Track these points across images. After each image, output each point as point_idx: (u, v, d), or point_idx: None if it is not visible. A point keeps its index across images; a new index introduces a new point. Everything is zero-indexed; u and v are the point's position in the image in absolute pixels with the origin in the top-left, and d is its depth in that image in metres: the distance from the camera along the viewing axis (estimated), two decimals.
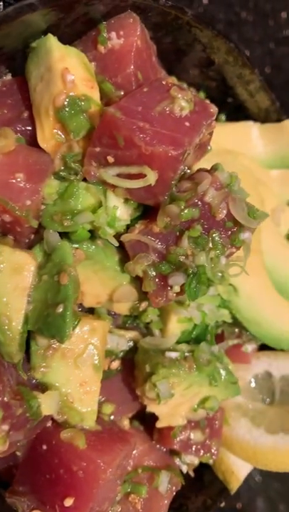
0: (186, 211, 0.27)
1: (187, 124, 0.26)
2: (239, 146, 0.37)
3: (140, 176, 0.26)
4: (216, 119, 0.39)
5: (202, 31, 0.32)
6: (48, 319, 0.25)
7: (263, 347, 0.40)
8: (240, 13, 0.72)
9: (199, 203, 0.27)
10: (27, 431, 0.26)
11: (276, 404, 0.38)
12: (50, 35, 0.27)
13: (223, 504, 0.36)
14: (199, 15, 0.52)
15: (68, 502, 0.26)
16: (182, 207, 0.27)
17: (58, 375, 0.27)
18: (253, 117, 0.39)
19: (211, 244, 0.28)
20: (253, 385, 0.39)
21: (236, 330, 0.37)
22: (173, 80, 0.31)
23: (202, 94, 0.37)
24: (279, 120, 0.38)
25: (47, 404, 0.26)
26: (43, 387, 0.27)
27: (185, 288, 0.28)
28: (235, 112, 0.39)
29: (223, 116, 0.39)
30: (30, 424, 0.25)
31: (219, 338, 0.37)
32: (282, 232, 0.38)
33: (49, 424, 0.27)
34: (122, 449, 0.28)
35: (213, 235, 0.28)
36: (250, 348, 0.37)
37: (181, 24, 0.31)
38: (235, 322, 0.36)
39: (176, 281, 0.28)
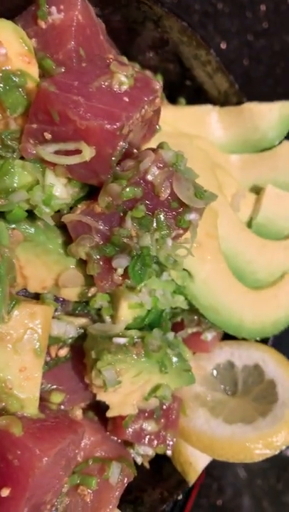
0: (127, 190, 0.26)
1: (126, 99, 0.25)
2: (198, 130, 0.36)
3: (78, 151, 0.25)
4: (176, 103, 0.39)
5: (152, 8, 0.31)
6: None
7: (227, 336, 0.39)
8: (217, 4, 0.71)
9: (142, 181, 0.26)
10: None
11: (238, 395, 0.37)
12: None
13: (180, 497, 0.35)
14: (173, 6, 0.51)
15: (4, 492, 0.25)
16: (124, 185, 0.26)
17: None
18: (212, 100, 0.38)
19: (155, 225, 0.27)
20: (214, 375, 0.38)
21: (196, 318, 0.35)
22: (123, 59, 0.30)
23: (159, 77, 0.36)
24: (239, 103, 0.37)
25: None
26: None
27: (129, 270, 0.27)
28: (195, 95, 0.38)
29: (182, 100, 0.38)
30: None
31: (179, 326, 0.36)
32: (242, 217, 0.37)
33: None
34: (64, 438, 0.27)
35: (158, 216, 0.27)
36: (209, 336, 0.36)
37: (128, 1, 0.30)
38: (194, 309, 0.35)
39: (120, 263, 0.27)
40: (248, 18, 0.75)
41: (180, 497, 0.35)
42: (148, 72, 0.36)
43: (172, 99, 0.38)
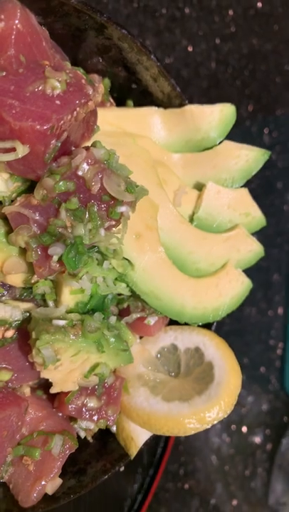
0: (60, 183, 0.29)
1: (58, 102, 0.28)
2: (142, 130, 0.38)
3: (12, 150, 0.27)
4: (124, 105, 0.41)
5: (91, 18, 0.33)
6: None
7: (173, 322, 0.42)
8: (184, 8, 0.74)
9: (73, 176, 0.29)
10: None
11: (181, 376, 0.40)
12: None
13: (122, 468, 0.38)
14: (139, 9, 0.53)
15: None
16: (57, 179, 0.29)
17: None
18: (158, 102, 0.40)
19: (88, 216, 0.30)
20: (158, 357, 0.40)
21: (140, 304, 0.38)
22: (66, 64, 0.33)
23: (107, 81, 0.39)
24: (181, 105, 0.39)
25: None
26: None
27: (64, 258, 0.30)
28: (142, 97, 0.40)
29: (130, 102, 0.41)
30: None
31: (125, 312, 0.39)
32: (185, 212, 0.40)
33: None
34: (4, 410, 0.29)
35: (91, 208, 0.30)
36: (152, 321, 0.38)
37: (68, 10, 0.32)
38: (138, 296, 0.37)
39: (56, 251, 0.29)
40: (215, 22, 0.78)
41: (122, 468, 0.37)
42: (95, 76, 0.38)
43: (121, 102, 0.41)
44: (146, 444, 0.66)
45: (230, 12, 0.81)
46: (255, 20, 0.85)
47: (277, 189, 0.91)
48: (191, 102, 0.69)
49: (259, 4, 0.85)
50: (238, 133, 0.87)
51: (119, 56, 0.37)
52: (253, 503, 0.91)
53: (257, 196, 0.95)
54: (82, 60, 0.38)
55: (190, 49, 0.75)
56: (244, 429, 0.86)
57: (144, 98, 0.40)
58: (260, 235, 0.91)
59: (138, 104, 0.40)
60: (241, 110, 0.83)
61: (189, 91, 0.74)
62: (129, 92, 0.40)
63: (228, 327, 0.79)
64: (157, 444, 0.65)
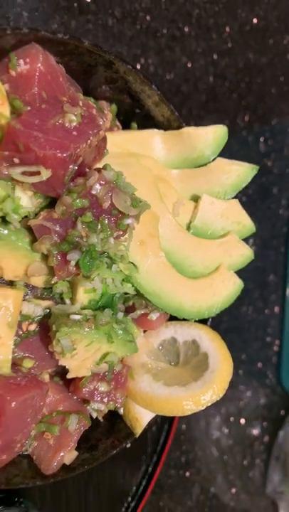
0: (77, 201, 0.34)
1: (75, 133, 0.34)
2: (145, 150, 0.44)
3: (38, 173, 0.33)
4: (129, 127, 0.47)
5: (101, 56, 0.39)
6: None
7: (173, 318, 0.48)
8: (184, 28, 0.80)
9: (88, 195, 0.35)
10: None
11: (180, 365, 0.46)
12: None
13: (128, 445, 0.43)
14: (95, 44, 0.59)
15: None
16: (74, 197, 0.34)
17: None
18: (158, 125, 0.46)
19: (100, 228, 0.36)
20: (160, 348, 0.46)
21: (144, 302, 0.44)
22: (79, 96, 0.39)
23: (114, 107, 0.44)
24: (179, 127, 0.45)
25: None
26: None
27: (80, 262, 0.35)
28: (145, 120, 0.46)
29: (134, 125, 0.46)
30: None
31: (131, 309, 0.45)
32: (183, 221, 0.45)
33: None
34: (30, 391, 0.35)
35: (102, 221, 0.35)
36: (154, 316, 0.44)
37: (81, 51, 0.38)
38: (141, 295, 0.43)
39: (73, 257, 0.35)
40: (213, 39, 0.84)
41: (127, 445, 0.43)
42: (104, 103, 0.44)
43: (127, 125, 0.46)
44: (150, 432, 0.71)
45: (227, 29, 0.87)
46: (250, 35, 0.91)
47: (273, 194, 0.97)
48: (190, 114, 0.74)
49: (255, 20, 0.91)
50: (236, 142, 0.93)
51: (124, 86, 0.43)
52: (251, 492, 0.96)
53: (254, 201, 1.01)
54: (92, 89, 0.43)
55: (189, 65, 0.80)
56: (242, 421, 0.92)
57: (147, 121, 0.45)
58: (256, 238, 0.97)
59: (141, 126, 0.46)
60: (238, 120, 0.89)
61: (188, 104, 0.80)
62: (133, 115, 0.45)
63: (226, 325, 0.85)
64: (160, 433, 0.71)
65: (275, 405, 0.97)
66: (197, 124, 0.85)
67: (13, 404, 0.33)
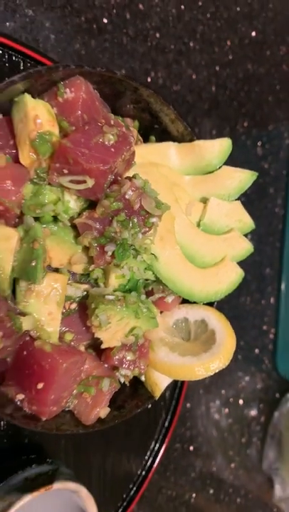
0: (113, 204, 0.43)
1: (112, 150, 0.43)
2: (162, 160, 0.53)
3: (84, 181, 0.42)
4: (148, 140, 0.56)
5: (129, 84, 0.48)
6: (26, 270, 0.41)
7: (184, 301, 0.57)
8: (189, 42, 0.89)
9: (122, 199, 0.44)
10: (13, 339, 0.42)
11: (191, 340, 0.55)
12: (26, 94, 0.43)
13: (149, 406, 0.52)
14: (128, 74, 0.68)
15: (40, 385, 0.42)
16: (111, 201, 0.44)
17: (33, 307, 0.43)
18: (174, 138, 0.55)
19: (131, 225, 0.45)
20: (174, 327, 0.55)
21: (161, 287, 0.53)
22: (110, 116, 0.48)
23: (136, 123, 0.54)
24: (191, 140, 0.54)
25: (26, 323, 0.42)
26: (23, 314, 0.43)
27: (115, 253, 0.45)
28: (162, 134, 0.55)
29: (153, 138, 0.55)
30: (15, 335, 0.42)
31: (150, 293, 0.54)
32: (193, 220, 0.55)
33: (28, 338, 0.44)
34: (74, 356, 0.44)
35: (133, 219, 0.45)
36: (170, 299, 0.53)
37: (114, 80, 0.47)
38: (160, 281, 0.52)
39: (110, 248, 0.44)
40: (215, 52, 0.93)
41: (149, 406, 0.52)
42: (128, 120, 0.53)
43: (146, 137, 0.56)
44: (160, 408, 0.80)
45: (228, 42, 0.96)
46: (249, 47, 1.01)
47: (269, 194, 1.07)
48: (195, 121, 0.84)
49: (253, 33, 1.01)
50: (236, 146, 1.05)
51: (146, 106, 0.52)
52: (249, 468, 1.07)
53: (252, 201, 1.12)
54: (119, 108, 0.52)
55: (194, 77, 0.90)
56: (241, 402, 1.02)
57: (164, 135, 0.55)
58: (254, 234, 1.07)
59: (159, 139, 0.55)
60: (238, 126, 0.99)
61: (193, 112, 0.89)
62: (152, 130, 0.55)
63: (226, 313, 0.94)
64: (168, 409, 0.80)
65: (271, 389, 1.07)
66: (201, 130, 0.95)
67: (64, 365, 0.42)
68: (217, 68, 0.94)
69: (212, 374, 0.50)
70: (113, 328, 0.47)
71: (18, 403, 0.43)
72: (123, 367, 0.49)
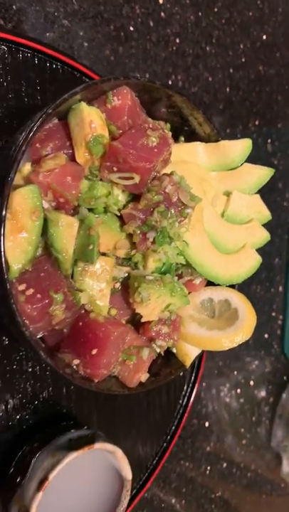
0: (155, 197, 0.52)
1: (155, 150, 0.51)
2: (191, 158, 0.61)
3: (131, 178, 0.51)
4: (178, 141, 0.64)
5: (165, 91, 0.56)
6: (84, 252, 0.49)
7: (210, 283, 0.65)
8: (206, 47, 0.97)
9: (162, 192, 0.52)
10: (72, 312, 0.50)
11: (215, 318, 0.63)
12: (82, 102, 0.51)
13: (181, 374, 0.61)
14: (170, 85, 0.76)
15: (94, 351, 0.50)
16: (153, 195, 0.52)
17: (88, 285, 0.51)
18: (201, 139, 0.63)
19: (169, 215, 0.53)
20: (201, 306, 0.64)
21: (190, 270, 0.61)
22: (148, 120, 0.56)
23: (168, 126, 0.61)
24: (216, 141, 0.63)
25: (82, 298, 0.50)
26: (80, 291, 0.51)
27: (156, 239, 0.53)
28: (191, 135, 0.63)
29: (182, 138, 0.63)
30: (74, 307, 0.50)
31: (180, 276, 0.62)
32: (218, 211, 0.63)
33: (83, 311, 0.52)
34: (120, 327, 0.53)
35: (171, 210, 0.53)
36: (197, 281, 0.61)
37: (152, 88, 0.55)
38: (189, 265, 0.61)
39: (151, 235, 0.53)
40: (229, 55, 1.02)
41: (181, 373, 0.61)
42: (162, 123, 0.61)
43: (175, 138, 0.64)
44: (180, 387, 0.89)
45: (241, 46, 1.05)
46: (260, 50, 1.09)
47: (278, 188, 1.16)
48: (209, 119, 0.92)
49: (264, 37, 1.09)
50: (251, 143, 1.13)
51: (178, 111, 0.60)
52: (258, 446, 1.16)
53: (263, 195, 1.22)
54: (154, 112, 0.60)
55: (210, 79, 0.98)
56: (251, 383, 1.11)
57: (192, 136, 0.63)
58: (265, 226, 1.16)
59: (188, 140, 0.63)
60: (250, 125, 1.08)
61: (209, 112, 0.97)
62: (181, 131, 0.63)
63: None
64: (187, 387, 0.89)
65: (279, 372, 1.16)
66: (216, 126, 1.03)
67: (115, 333, 0.51)
68: (231, 70, 1.02)
69: (236, 345, 0.59)
70: (152, 304, 0.55)
71: (74, 367, 0.51)
72: (159, 338, 0.57)
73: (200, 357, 0.79)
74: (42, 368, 0.68)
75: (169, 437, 0.88)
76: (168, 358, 0.61)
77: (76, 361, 0.51)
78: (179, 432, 0.90)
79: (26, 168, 0.49)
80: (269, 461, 1.15)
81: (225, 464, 1.04)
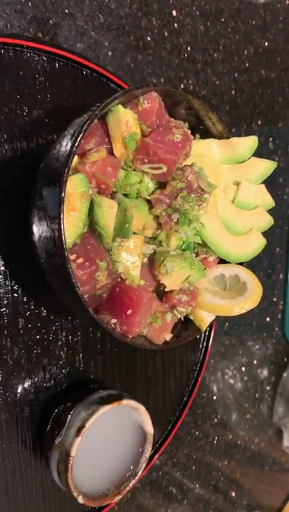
0: (178, 184, 0.64)
1: (179, 145, 0.63)
2: (206, 153, 0.73)
3: (159, 168, 0.63)
4: (194, 138, 0.76)
5: (185, 96, 0.68)
6: (122, 230, 0.61)
7: (222, 261, 0.78)
8: (214, 54, 1.10)
9: (185, 180, 0.64)
10: (111, 279, 0.62)
11: (227, 290, 0.76)
12: (119, 105, 0.63)
13: (197, 336, 0.73)
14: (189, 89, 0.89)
15: (129, 312, 0.62)
16: (177, 182, 0.64)
17: (123, 257, 0.63)
18: (215, 136, 0.75)
19: (190, 200, 0.65)
20: (213, 280, 0.76)
21: (205, 249, 0.74)
22: (171, 120, 0.68)
23: (186, 125, 0.74)
24: (228, 138, 0.75)
25: (120, 268, 0.62)
26: (117, 262, 0.63)
27: (179, 220, 0.65)
28: (205, 133, 0.75)
29: (198, 136, 0.76)
30: (113, 275, 0.62)
31: (197, 254, 0.75)
32: (229, 198, 0.75)
33: (119, 279, 0.64)
34: (149, 294, 0.64)
35: (192, 195, 0.65)
36: (211, 259, 0.73)
37: (174, 93, 0.67)
38: (204, 244, 0.73)
39: (175, 216, 0.65)
40: (234, 61, 1.14)
41: (198, 336, 0.73)
42: (181, 122, 0.73)
43: (192, 135, 0.76)
44: (191, 362, 1.01)
45: (245, 52, 1.17)
46: (263, 56, 1.22)
47: (279, 183, 1.29)
48: (221, 119, 1.04)
49: (266, 43, 1.22)
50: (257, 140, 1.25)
51: (195, 112, 0.72)
52: (261, 421, 1.28)
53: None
54: (174, 113, 0.73)
55: (217, 83, 1.10)
56: (255, 362, 1.23)
57: (207, 133, 0.75)
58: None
59: (203, 137, 0.75)
60: (253, 124, 1.21)
61: (217, 114, 1.10)
62: (197, 130, 0.75)
63: None
64: (196, 365, 1.01)
65: (280, 353, 1.29)
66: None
67: (146, 297, 0.63)
68: (236, 75, 1.15)
69: (244, 311, 0.71)
70: (174, 275, 0.67)
71: (112, 326, 0.63)
72: (180, 305, 0.69)
73: (208, 337, 0.92)
74: (74, 337, 0.80)
75: (181, 406, 1.00)
76: (186, 324, 0.74)
77: (114, 320, 0.63)
78: (190, 403, 1.02)
79: (74, 160, 0.60)
80: (271, 436, 1.28)
81: (231, 436, 1.16)
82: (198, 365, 1.01)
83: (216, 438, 1.12)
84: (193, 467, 1.08)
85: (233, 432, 1.17)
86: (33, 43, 0.73)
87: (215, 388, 1.12)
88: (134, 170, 0.59)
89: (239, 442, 1.19)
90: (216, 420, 1.12)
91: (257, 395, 1.24)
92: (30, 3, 0.76)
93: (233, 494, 1.19)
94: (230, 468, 1.15)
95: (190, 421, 1.06)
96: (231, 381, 1.17)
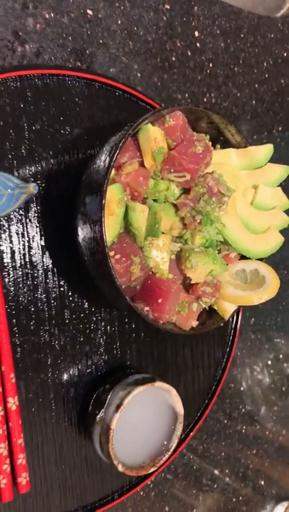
0: (201, 189, 0.75)
1: (201, 156, 0.74)
2: (226, 161, 0.85)
3: (184, 176, 0.74)
4: (215, 148, 0.88)
5: (206, 112, 0.80)
6: (152, 230, 0.73)
7: (242, 257, 0.88)
8: (234, 68, 1.21)
9: (206, 186, 0.75)
10: (144, 272, 0.74)
11: (247, 283, 0.86)
12: (149, 124, 0.75)
13: (221, 324, 0.84)
14: (210, 105, 1.01)
15: (159, 300, 0.73)
16: (199, 188, 0.75)
17: (154, 253, 0.75)
18: (233, 146, 0.86)
19: (212, 203, 0.76)
20: (235, 274, 0.87)
21: (226, 246, 0.84)
22: (193, 133, 0.79)
23: (207, 137, 0.85)
24: (245, 147, 0.86)
25: (151, 263, 0.74)
26: (149, 257, 0.75)
27: (202, 221, 0.76)
28: (225, 143, 0.86)
29: (218, 146, 0.87)
30: (145, 269, 0.74)
31: (219, 251, 0.85)
32: (248, 200, 0.86)
33: (151, 272, 0.76)
34: (176, 285, 0.76)
35: (213, 199, 0.76)
36: (233, 255, 0.84)
37: (196, 111, 0.79)
38: (226, 242, 0.84)
39: (198, 218, 0.76)
40: (255, 72, 1.25)
41: (222, 324, 0.84)
42: (202, 135, 0.85)
43: (213, 146, 0.87)
44: (219, 352, 1.11)
45: (265, 63, 1.28)
46: (282, 66, 1.33)
47: None
48: (239, 131, 1.16)
49: (285, 54, 1.33)
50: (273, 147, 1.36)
51: (215, 125, 0.83)
52: (288, 414, 1.36)
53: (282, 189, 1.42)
54: (196, 127, 0.84)
55: (238, 94, 1.21)
56: (280, 357, 1.32)
57: (226, 144, 0.86)
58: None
59: (223, 147, 0.86)
60: (274, 131, 1.31)
61: (238, 123, 1.21)
62: (218, 141, 0.86)
63: None
64: (223, 356, 1.11)
65: None
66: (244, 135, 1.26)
67: (174, 287, 0.74)
68: (256, 86, 1.26)
69: (263, 301, 0.82)
70: (199, 269, 0.78)
71: (145, 312, 0.75)
72: (205, 296, 0.81)
73: (234, 330, 1.02)
74: (112, 327, 0.92)
75: (209, 395, 1.10)
76: (211, 314, 0.85)
77: (146, 308, 0.75)
78: (218, 392, 1.12)
79: (112, 172, 0.73)
80: None
81: (258, 426, 1.25)
82: (226, 356, 1.11)
83: (244, 427, 1.21)
84: (223, 453, 1.18)
85: (260, 423, 1.26)
86: (73, 72, 0.86)
87: (242, 380, 1.21)
88: (162, 179, 0.70)
89: (267, 433, 1.27)
90: (243, 410, 1.21)
91: (283, 389, 1.32)
92: (70, 38, 0.89)
93: (262, 483, 1.27)
94: (258, 458, 1.24)
95: (218, 409, 1.16)
96: (258, 375, 1.26)
